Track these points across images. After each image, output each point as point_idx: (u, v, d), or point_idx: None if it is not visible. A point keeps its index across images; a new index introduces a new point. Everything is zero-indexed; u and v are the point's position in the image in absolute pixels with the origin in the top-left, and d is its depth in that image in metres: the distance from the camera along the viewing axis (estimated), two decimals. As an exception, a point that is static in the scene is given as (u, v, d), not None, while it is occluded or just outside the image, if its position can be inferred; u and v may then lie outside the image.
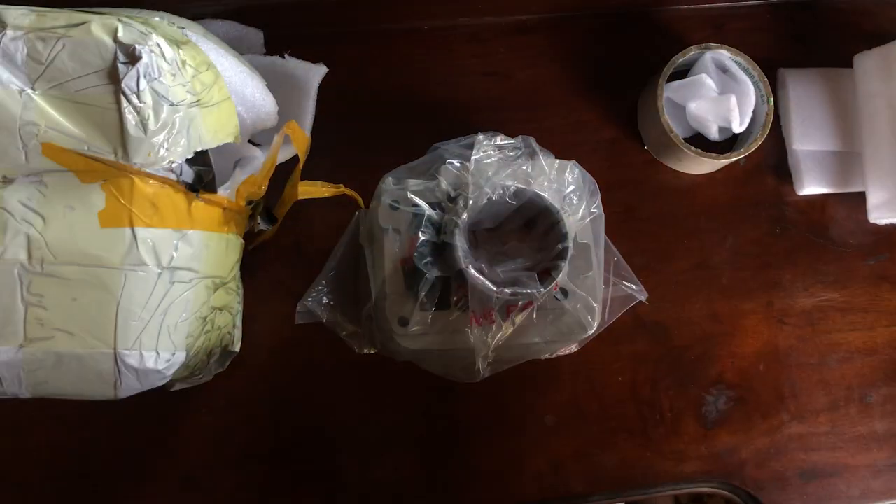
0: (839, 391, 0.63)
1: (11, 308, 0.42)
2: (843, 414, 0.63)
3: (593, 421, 0.61)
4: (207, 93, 0.45)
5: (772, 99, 0.61)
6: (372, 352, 0.60)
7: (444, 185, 0.51)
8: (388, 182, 0.52)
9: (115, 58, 0.41)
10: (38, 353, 0.42)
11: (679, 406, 0.62)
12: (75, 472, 0.58)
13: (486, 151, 0.51)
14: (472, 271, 0.47)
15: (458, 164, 0.51)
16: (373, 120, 0.63)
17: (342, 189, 0.58)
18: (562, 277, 0.49)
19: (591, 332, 0.52)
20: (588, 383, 0.62)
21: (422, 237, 0.49)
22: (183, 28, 0.47)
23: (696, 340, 0.63)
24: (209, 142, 0.45)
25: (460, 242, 0.48)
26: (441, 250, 0.50)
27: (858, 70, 0.65)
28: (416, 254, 0.49)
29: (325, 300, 0.60)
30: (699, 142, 0.63)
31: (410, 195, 0.51)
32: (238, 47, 0.54)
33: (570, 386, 0.61)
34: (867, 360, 0.63)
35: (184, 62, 0.43)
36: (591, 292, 0.52)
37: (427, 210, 0.50)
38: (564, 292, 0.51)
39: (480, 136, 0.51)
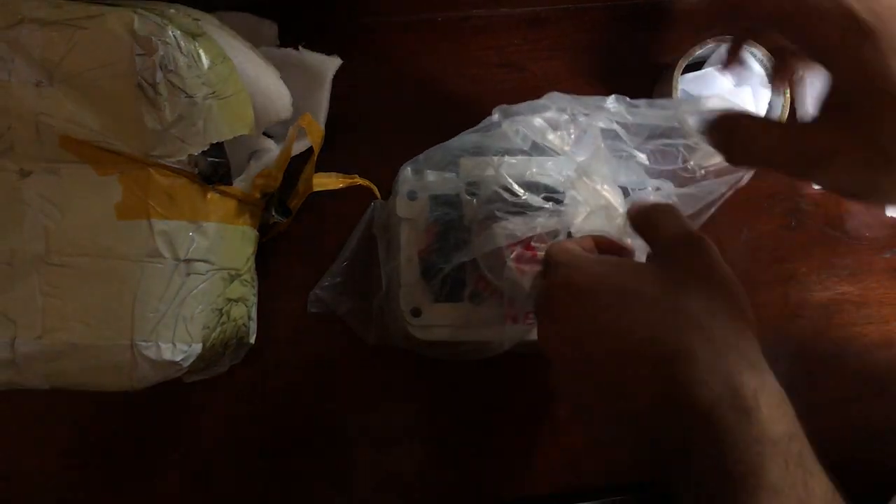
0: (855, 385, 0.62)
1: (30, 299, 0.42)
2: (859, 408, 0.62)
3: (606, 414, 0.61)
4: (223, 85, 0.45)
5: (788, 90, 0.60)
6: (383, 343, 0.60)
7: (463, 176, 0.51)
8: (407, 172, 0.52)
9: (132, 50, 0.41)
10: (56, 345, 0.43)
11: (693, 399, 0.62)
12: (90, 461, 0.58)
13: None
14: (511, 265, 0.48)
15: (478, 158, 0.51)
16: (387, 111, 0.63)
17: (356, 179, 0.58)
18: None
19: None
20: (601, 376, 0.61)
21: (439, 228, 0.50)
22: (198, 20, 0.47)
23: (710, 333, 0.63)
24: (225, 134, 0.45)
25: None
26: (458, 242, 0.50)
27: (876, 61, 0.64)
28: (434, 245, 0.49)
29: (337, 289, 0.60)
30: (714, 134, 0.62)
31: (429, 186, 0.51)
32: (252, 39, 0.54)
33: (583, 379, 0.61)
34: (883, 354, 0.63)
35: (199, 54, 0.43)
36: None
37: (445, 201, 0.50)
38: None
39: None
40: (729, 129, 0.36)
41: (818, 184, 0.35)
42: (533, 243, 0.48)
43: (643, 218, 0.41)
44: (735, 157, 0.36)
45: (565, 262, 0.39)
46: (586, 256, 0.40)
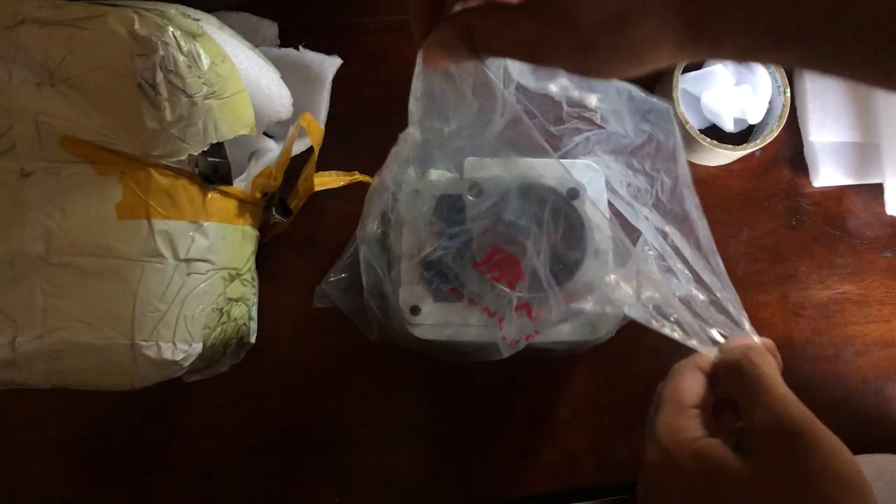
0: (855, 384, 0.62)
1: (30, 299, 0.43)
2: (860, 406, 0.62)
3: (607, 413, 0.61)
4: (223, 85, 0.45)
5: (788, 89, 0.60)
6: (385, 340, 0.60)
7: (467, 177, 0.51)
8: (410, 171, 0.52)
9: (132, 50, 0.41)
10: (57, 344, 0.43)
11: (693, 398, 0.62)
12: (90, 461, 0.58)
13: None
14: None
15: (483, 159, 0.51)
16: (387, 111, 0.63)
17: (356, 176, 0.58)
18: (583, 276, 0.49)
19: (610, 332, 0.52)
20: (602, 376, 0.61)
21: (440, 228, 0.50)
22: (198, 20, 0.47)
23: (710, 333, 0.63)
24: (225, 133, 0.45)
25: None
26: (459, 243, 0.50)
27: (876, 60, 0.64)
28: (435, 245, 0.49)
29: (342, 285, 0.60)
30: (714, 133, 0.62)
31: (432, 186, 0.51)
32: (252, 39, 0.54)
33: (584, 378, 0.61)
34: (883, 353, 0.63)
35: (199, 54, 0.43)
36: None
37: (448, 201, 0.50)
38: None
39: None
40: (464, 24, 0.35)
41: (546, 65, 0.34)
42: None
43: (734, 379, 0.38)
44: (473, 50, 0.35)
45: (665, 442, 0.36)
46: (684, 447, 0.36)
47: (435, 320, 0.50)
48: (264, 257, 0.58)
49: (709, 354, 0.42)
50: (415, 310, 0.50)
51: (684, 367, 0.41)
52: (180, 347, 0.45)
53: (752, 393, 0.36)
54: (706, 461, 0.34)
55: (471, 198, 0.50)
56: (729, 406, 0.40)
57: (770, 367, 0.37)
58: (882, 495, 0.51)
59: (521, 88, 0.50)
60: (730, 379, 0.38)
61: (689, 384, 0.39)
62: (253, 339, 0.56)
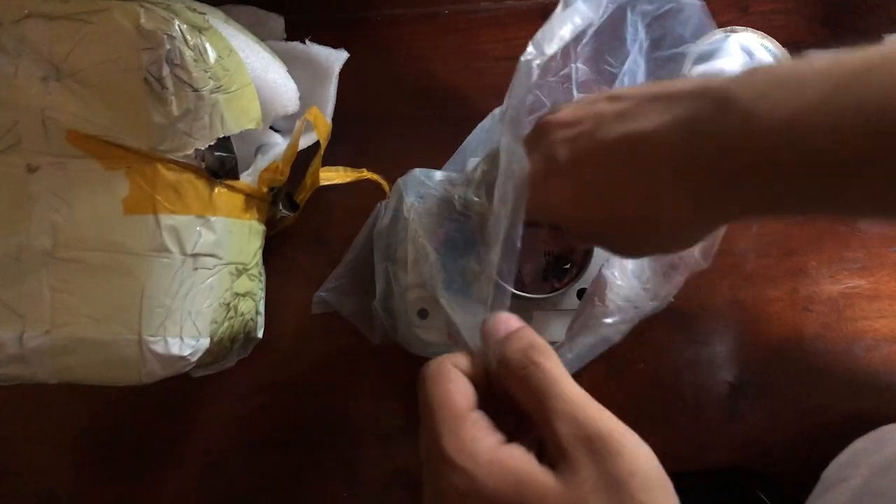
0: (866, 379, 0.62)
1: (38, 294, 0.42)
2: (870, 403, 0.62)
3: (614, 408, 0.60)
4: (230, 79, 0.45)
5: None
6: (389, 343, 0.59)
7: (473, 180, 0.51)
8: (416, 173, 0.52)
9: (138, 44, 0.41)
10: (64, 339, 0.43)
11: (702, 394, 0.61)
12: (100, 456, 0.58)
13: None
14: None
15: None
16: (394, 105, 0.63)
17: (364, 173, 0.57)
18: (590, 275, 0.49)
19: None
20: (609, 371, 0.61)
21: (447, 230, 0.49)
22: (204, 14, 0.47)
23: (719, 328, 0.62)
24: (231, 128, 0.45)
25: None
26: (466, 245, 0.50)
27: (888, 53, 0.63)
28: (442, 248, 0.49)
29: (342, 290, 0.60)
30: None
31: (437, 188, 0.51)
32: (259, 33, 0.53)
33: (590, 373, 0.61)
34: (894, 348, 0.62)
35: (206, 48, 0.43)
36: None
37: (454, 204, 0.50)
38: (582, 293, 0.50)
39: None
40: None
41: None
42: None
43: (522, 388, 0.33)
44: None
45: (458, 460, 0.30)
46: (485, 463, 0.30)
47: (442, 323, 0.50)
48: (271, 252, 0.58)
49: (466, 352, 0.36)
50: (422, 313, 0.50)
51: (439, 370, 0.34)
52: (188, 342, 0.45)
53: (547, 401, 0.32)
54: (514, 475, 0.30)
55: (475, 199, 0.50)
56: (504, 407, 0.35)
57: (557, 365, 0.33)
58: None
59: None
60: (517, 388, 0.33)
61: (456, 387, 0.33)
62: (260, 334, 0.56)
